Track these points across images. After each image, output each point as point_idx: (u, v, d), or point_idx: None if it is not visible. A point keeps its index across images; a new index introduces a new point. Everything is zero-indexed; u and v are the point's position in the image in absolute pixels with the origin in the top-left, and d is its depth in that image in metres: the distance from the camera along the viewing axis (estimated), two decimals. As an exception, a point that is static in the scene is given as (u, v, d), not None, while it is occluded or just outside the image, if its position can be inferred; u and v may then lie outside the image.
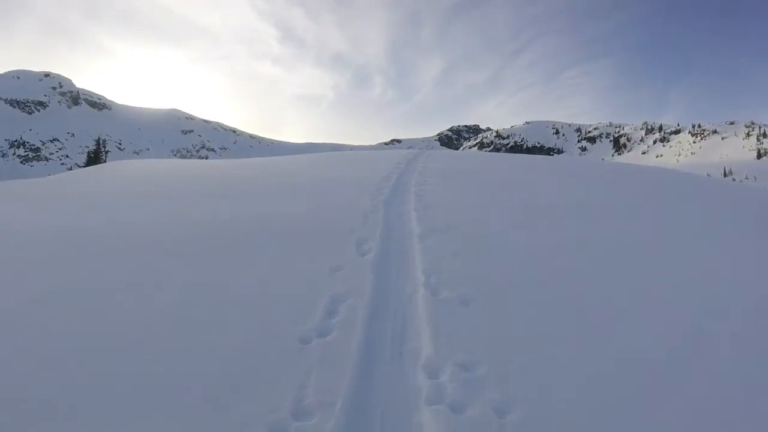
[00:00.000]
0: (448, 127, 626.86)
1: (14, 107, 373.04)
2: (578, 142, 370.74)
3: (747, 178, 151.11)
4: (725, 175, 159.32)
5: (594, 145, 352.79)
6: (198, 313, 4.52)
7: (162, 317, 4.46)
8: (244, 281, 5.27)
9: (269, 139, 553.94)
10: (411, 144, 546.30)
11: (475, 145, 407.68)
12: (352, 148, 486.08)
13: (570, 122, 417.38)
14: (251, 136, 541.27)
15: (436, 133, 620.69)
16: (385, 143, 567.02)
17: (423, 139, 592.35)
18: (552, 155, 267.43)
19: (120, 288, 5.11)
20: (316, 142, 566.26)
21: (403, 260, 6.13)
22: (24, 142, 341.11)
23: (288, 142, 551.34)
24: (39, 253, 6.29)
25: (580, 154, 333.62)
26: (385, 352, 4.12)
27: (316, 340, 4.13)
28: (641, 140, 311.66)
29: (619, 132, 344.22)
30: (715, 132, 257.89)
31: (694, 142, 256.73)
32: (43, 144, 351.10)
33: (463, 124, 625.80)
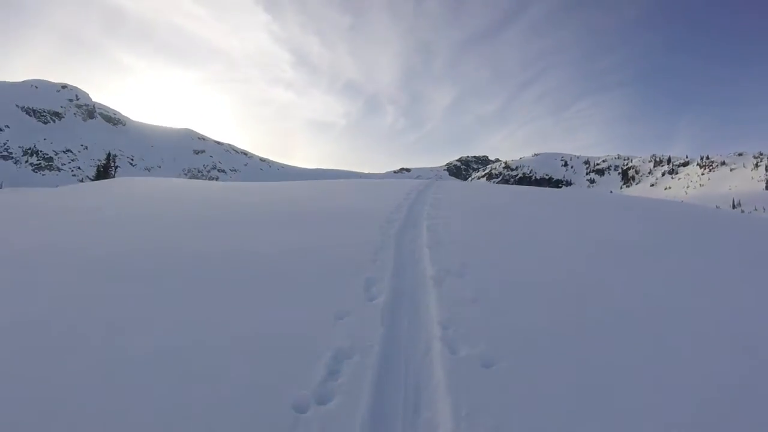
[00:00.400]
0: (457, 157, 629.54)
1: (30, 116, 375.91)
2: (587, 174, 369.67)
3: (756, 209, 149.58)
4: (734, 206, 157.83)
5: (602, 177, 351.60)
6: (174, 368, 3.83)
7: (134, 366, 3.78)
8: (233, 326, 4.59)
9: (280, 163, 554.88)
10: (420, 173, 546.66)
11: (483, 176, 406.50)
12: (361, 175, 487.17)
13: (578, 154, 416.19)
14: (262, 159, 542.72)
15: (445, 163, 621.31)
16: (394, 171, 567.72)
17: (432, 169, 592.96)
18: (560, 187, 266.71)
19: (92, 322, 4.46)
20: (325, 168, 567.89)
21: (416, 307, 5.47)
22: (37, 150, 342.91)
23: (298, 167, 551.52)
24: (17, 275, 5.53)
25: (589, 186, 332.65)
26: (395, 424, 3.49)
27: (315, 408, 3.48)
28: (650, 172, 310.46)
29: (627, 164, 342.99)
30: (723, 163, 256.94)
31: (703, 174, 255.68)
32: (56, 154, 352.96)
33: (472, 155, 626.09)
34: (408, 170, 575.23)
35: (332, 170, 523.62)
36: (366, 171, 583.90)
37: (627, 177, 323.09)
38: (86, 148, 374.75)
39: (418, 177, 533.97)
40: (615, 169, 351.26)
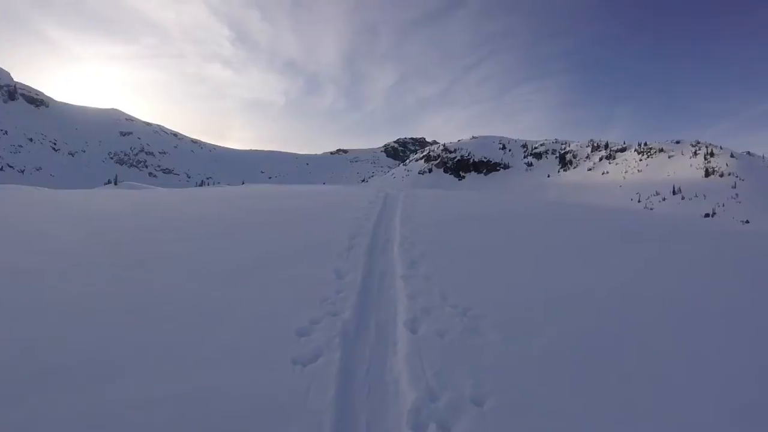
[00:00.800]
0: (395, 138, 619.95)
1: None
2: (524, 157, 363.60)
3: (696, 196, 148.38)
4: (674, 192, 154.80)
5: (540, 161, 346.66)
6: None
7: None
8: None
9: (212, 144, 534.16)
10: (357, 155, 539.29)
11: (421, 158, 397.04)
12: (297, 156, 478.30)
13: (517, 138, 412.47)
14: (193, 141, 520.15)
15: (382, 145, 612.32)
16: (331, 153, 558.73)
17: (369, 150, 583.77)
18: (498, 170, 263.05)
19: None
20: (260, 149, 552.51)
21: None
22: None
23: (231, 149, 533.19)
24: None
25: (527, 170, 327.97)
26: None
27: None
28: (587, 157, 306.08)
29: (565, 149, 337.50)
30: (661, 150, 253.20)
31: (641, 160, 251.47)
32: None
33: (410, 137, 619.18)
34: (345, 151, 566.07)
35: (267, 151, 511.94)
36: (302, 152, 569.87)
37: (564, 161, 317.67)
38: (6, 132, 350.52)
39: (355, 159, 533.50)
40: (552, 153, 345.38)
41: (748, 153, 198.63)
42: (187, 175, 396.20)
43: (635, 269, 9.08)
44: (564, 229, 13.77)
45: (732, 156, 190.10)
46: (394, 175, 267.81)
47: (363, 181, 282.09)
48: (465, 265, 8.70)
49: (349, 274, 7.77)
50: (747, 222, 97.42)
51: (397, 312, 6.42)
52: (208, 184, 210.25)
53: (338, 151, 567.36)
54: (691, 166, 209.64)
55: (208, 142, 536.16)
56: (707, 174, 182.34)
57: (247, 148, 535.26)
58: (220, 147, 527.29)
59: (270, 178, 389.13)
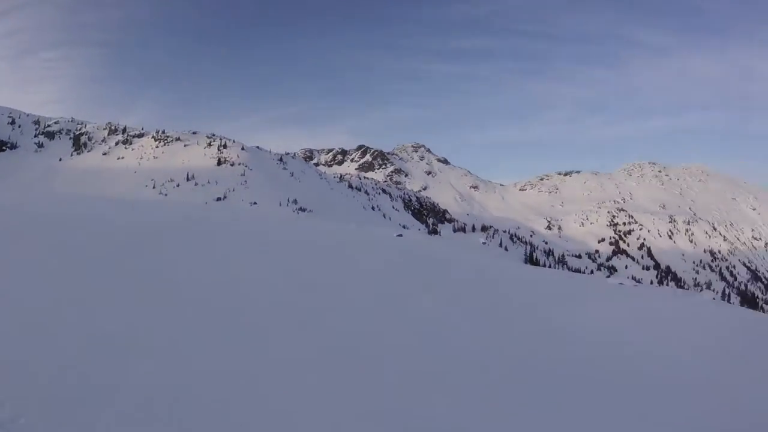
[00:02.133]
0: None
1: None
2: (35, 136, 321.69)
3: (209, 183, 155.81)
4: (188, 179, 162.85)
5: (53, 141, 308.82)
6: None
7: None
8: None
9: None
10: None
11: None
12: None
13: (30, 112, 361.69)
14: None
15: None
16: None
17: None
18: (5, 151, 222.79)
19: None
20: None
21: None
22: None
23: None
24: None
25: (36, 151, 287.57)
26: None
27: None
28: (103, 140, 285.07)
29: (81, 130, 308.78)
30: (178, 139, 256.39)
31: (157, 147, 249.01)
32: None
33: None
34: None
35: None
36: None
37: (79, 144, 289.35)
38: None
39: None
40: (67, 134, 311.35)
41: (258, 147, 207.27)
42: None
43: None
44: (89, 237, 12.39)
45: (243, 149, 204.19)
46: None
47: None
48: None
49: None
50: (255, 203, 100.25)
51: None
52: None
53: None
54: (205, 155, 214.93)
55: None
56: (219, 163, 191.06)
57: None
58: None
59: None
